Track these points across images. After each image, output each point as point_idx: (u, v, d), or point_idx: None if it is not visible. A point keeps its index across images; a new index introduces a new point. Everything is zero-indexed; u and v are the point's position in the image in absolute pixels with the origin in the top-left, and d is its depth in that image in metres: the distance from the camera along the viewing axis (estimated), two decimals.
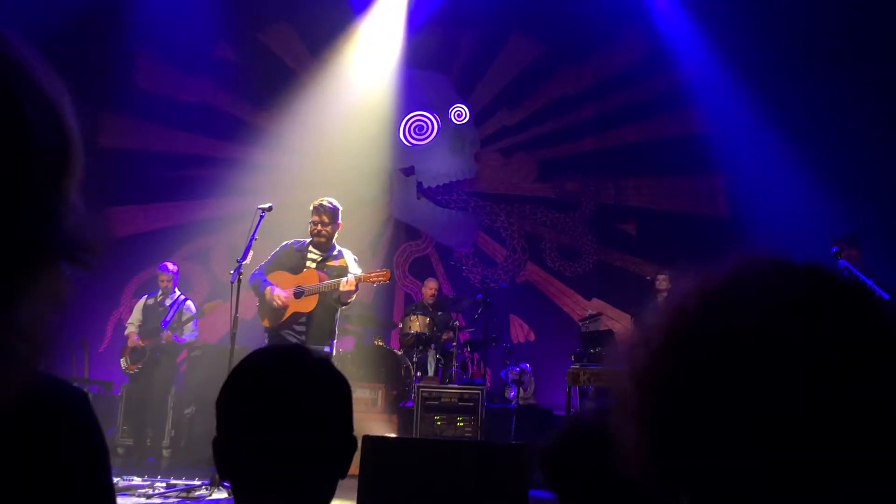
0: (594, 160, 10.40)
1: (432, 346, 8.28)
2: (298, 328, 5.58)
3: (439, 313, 8.80)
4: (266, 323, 5.64)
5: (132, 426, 8.15)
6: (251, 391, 1.29)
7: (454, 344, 8.42)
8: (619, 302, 9.86)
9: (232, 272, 5.43)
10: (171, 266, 8.11)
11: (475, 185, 10.82)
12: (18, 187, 0.52)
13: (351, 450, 1.32)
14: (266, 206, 5.65)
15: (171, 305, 7.91)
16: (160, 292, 7.94)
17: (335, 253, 5.79)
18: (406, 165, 10.89)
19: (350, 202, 10.57)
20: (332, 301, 5.63)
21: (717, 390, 0.61)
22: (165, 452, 8.30)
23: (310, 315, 5.57)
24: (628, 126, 10.26)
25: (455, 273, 10.44)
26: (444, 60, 10.87)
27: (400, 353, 8.28)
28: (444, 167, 10.81)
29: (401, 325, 8.63)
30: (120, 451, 8.31)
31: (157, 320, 7.75)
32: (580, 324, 8.83)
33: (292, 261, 5.72)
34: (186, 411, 8.53)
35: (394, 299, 10.61)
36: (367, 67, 10.63)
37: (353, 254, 5.92)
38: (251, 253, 5.55)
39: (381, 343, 8.51)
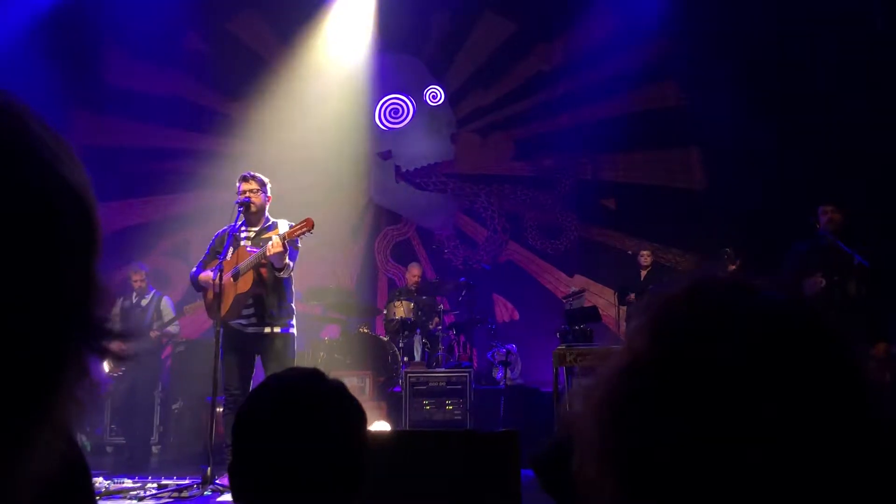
0: (571, 137, 10.35)
1: (418, 330, 8.29)
2: (246, 312, 5.39)
3: (423, 298, 8.80)
4: (213, 316, 5.39)
5: (121, 425, 8.11)
6: (265, 420, 1.33)
7: (439, 327, 8.44)
8: (601, 277, 9.93)
9: (212, 269, 5.32)
10: (140, 268, 8.01)
11: (453, 167, 10.78)
12: (50, 280, 0.52)
13: (361, 475, 1.35)
14: (244, 199, 5.52)
15: (149, 306, 7.82)
16: (134, 293, 7.84)
17: (269, 224, 5.56)
18: (383, 149, 10.82)
19: (328, 188, 10.59)
20: (273, 273, 5.35)
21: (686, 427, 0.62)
22: (155, 449, 8.28)
23: (255, 296, 5.36)
24: (603, 101, 10.19)
25: (437, 256, 10.43)
26: (416, 42, 10.77)
27: (386, 339, 8.29)
28: (421, 150, 10.76)
29: (385, 312, 8.62)
30: (109, 449, 8.28)
31: (137, 322, 7.65)
32: (564, 301, 8.85)
33: (225, 245, 5.40)
34: (174, 407, 8.51)
35: (377, 285, 10.59)
36: (338, 52, 10.52)
37: (290, 221, 5.55)
38: (231, 249, 5.44)
39: (366, 330, 8.51)
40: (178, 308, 7.99)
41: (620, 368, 0.68)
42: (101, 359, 0.57)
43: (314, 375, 1.39)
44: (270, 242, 5.19)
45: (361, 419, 1.39)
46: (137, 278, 7.84)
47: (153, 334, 7.68)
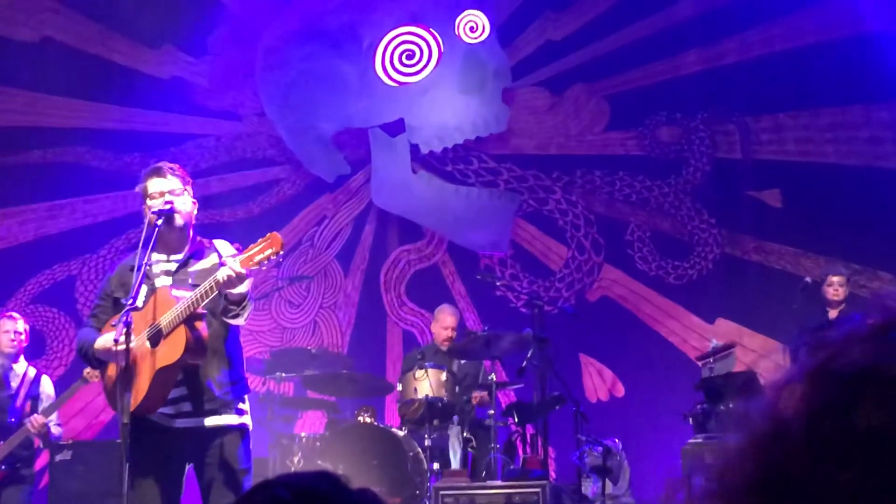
0: (702, 88, 10.54)
1: (455, 417, 8.24)
2: (175, 395, 5.24)
3: (462, 362, 8.85)
4: (116, 406, 5.17)
5: None
6: None
7: (491, 412, 8.35)
8: (762, 323, 9.94)
9: (114, 322, 5.17)
10: (17, 316, 8.00)
11: (507, 144, 10.88)
12: None
13: None
14: (167, 207, 5.29)
15: (19, 387, 7.81)
16: None
17: (198, 248, 5.45)
18: (389, 118, 10.80)
19: (297, 189, 10.66)
20: (220, 324, 5.27)
21: None
22: None
23: (188, 369, 5.21)
24: (757, 26, 10.26)
25: (484, 292, 10.38)
26: None
27: (403, 433, 8.31)
28: (453, 117, 10.81)
29: (401, 388, 8.65)
30: None
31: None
32: (700, 363, 8.80)
33: (130, 286, 5.17)
34: None
35: (386, 343, 10.64)
36: None
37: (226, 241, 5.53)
38: (143, 293, 5.24)
39: (369, 419, 8.51)
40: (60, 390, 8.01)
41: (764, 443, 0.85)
42: None
43: (336, 481, 1.40)
44: (222, 270, 4.95)
45: None
46: (8, 327, 7.85)
47: (33, 426, 7.63)
